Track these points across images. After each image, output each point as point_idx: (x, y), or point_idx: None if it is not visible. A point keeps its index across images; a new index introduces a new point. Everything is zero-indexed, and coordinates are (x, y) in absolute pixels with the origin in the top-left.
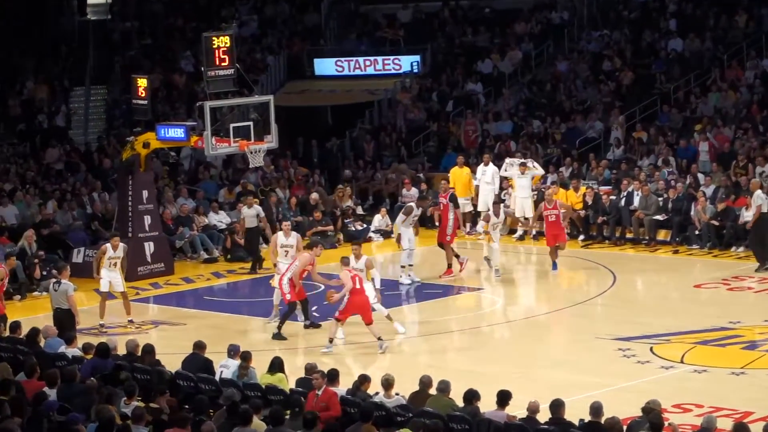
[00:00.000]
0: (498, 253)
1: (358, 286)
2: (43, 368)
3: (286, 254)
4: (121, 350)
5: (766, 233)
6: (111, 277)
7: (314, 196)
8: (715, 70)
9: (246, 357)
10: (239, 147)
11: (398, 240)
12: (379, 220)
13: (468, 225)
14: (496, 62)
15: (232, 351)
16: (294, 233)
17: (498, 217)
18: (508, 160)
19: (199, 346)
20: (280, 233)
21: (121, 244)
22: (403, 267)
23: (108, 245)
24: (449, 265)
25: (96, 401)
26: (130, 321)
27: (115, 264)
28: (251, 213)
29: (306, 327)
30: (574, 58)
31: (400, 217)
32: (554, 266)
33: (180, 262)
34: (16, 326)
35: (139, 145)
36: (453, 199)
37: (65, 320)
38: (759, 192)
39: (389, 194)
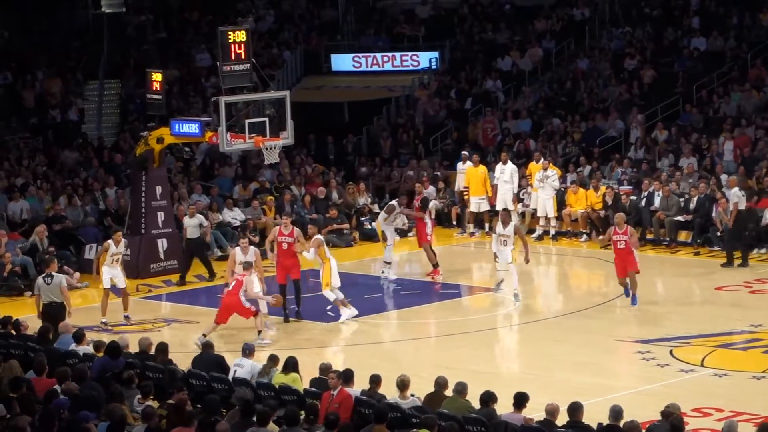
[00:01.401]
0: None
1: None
2: (54, 366)
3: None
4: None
5: (743, 230)
6: (113, 273)
7: (322, 189)
8: (738, 69)
9: (274, 359)
10: (255, 143)
11: (383, 238)
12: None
13: (471, 225)
14: (515, 59)
15: (247, 350)
16: (252, 248)
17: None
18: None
19: (209, 345)
20: (237, 249)
21: (123, 240)
22: (387, 264)
23: (110, 241)
24: (435, 265)
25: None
26: (126, 317)
27: (117, 260)
28: (193, 222)
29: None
30: (595, 55)
31: (382, 215)
32: (626, 293)
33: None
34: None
35: (152, 140)
36: (424, 202)
37: (60, 314)
38: (735, 189)
39: (407, 191)
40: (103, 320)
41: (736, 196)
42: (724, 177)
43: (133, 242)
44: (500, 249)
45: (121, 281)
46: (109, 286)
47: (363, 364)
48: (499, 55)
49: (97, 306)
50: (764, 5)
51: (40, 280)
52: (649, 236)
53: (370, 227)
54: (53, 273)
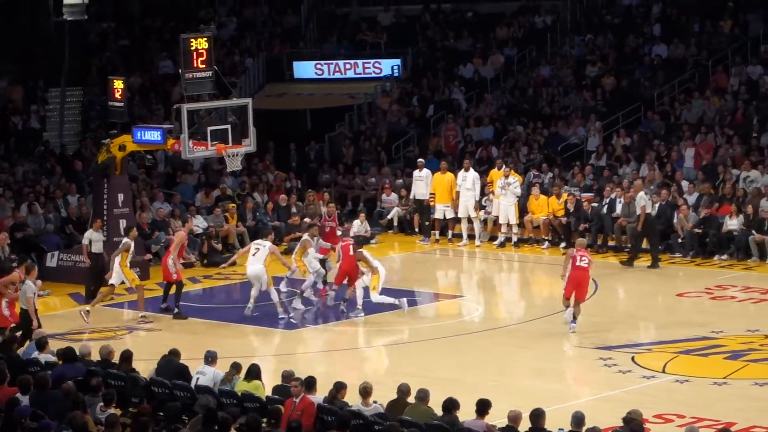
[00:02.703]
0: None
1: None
2: (16, 374)
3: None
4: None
5: (651, 234)
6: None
7: (284, 197)
8: (699, 77)
9: (237, 367)
10: (217, 150)
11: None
12: (358, 225)
13: (437, 232)
14: (477, 67)
15: (209, 357)
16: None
17: None
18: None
19: (175, 353)
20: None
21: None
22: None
23: (131, 241)
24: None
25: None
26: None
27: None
28: (98, 237)
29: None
30: (556, 63)
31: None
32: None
33: (156, 266)
34: None
35: (114, 147)
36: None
37: (27, 323)
38: (642, 194)
39: (367, 199)
40: (143, 314)
41: (643, 200)
42: (685, 184)
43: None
44: None
45: (136, 278)
46: (117, 284)
47: (326, 372)
48: (461, 62)
49: (61, 314)
50: (725, 13)
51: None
52: (611, 243)
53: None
54: (27, 280)
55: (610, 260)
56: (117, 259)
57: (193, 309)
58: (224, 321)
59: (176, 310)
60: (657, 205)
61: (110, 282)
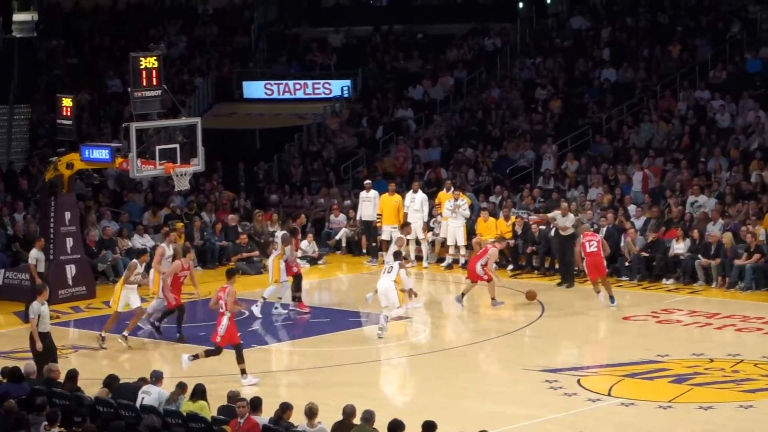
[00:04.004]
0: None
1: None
2: None
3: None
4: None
5: (567, 252)
6: (131, 296)
7: (232, 217)
8: (647, 101)
9: (182, 387)
10: (165, 170)
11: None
12: (305, 245)
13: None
14: (427, 88)
15: (155, 377)
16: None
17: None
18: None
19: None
20: (164, 245)
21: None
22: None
23: (137, 261)
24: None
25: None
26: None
27: (137, 281)
28: (42, 257)
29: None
30: (506, 85)
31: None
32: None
33: (102, 285)
34: None
35: (62, 165)
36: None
37: (33, 345)
38: (557, 213)
39: (316, 220)
40: (103, 335)
41: (569, 221)
42: (632, 207)
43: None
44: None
45: (137, 301)
46: (121, 309)
47: (272, 392)
48: (411, 83)
49: (6, 332)
50: (673, 38)
51: None
52: (558, 266)
53: None
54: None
55: (557, 282)
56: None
57: (139, 328)
58: (172, 341)
59: (179, 335)
60: (605, 229)
61: (135, 305)
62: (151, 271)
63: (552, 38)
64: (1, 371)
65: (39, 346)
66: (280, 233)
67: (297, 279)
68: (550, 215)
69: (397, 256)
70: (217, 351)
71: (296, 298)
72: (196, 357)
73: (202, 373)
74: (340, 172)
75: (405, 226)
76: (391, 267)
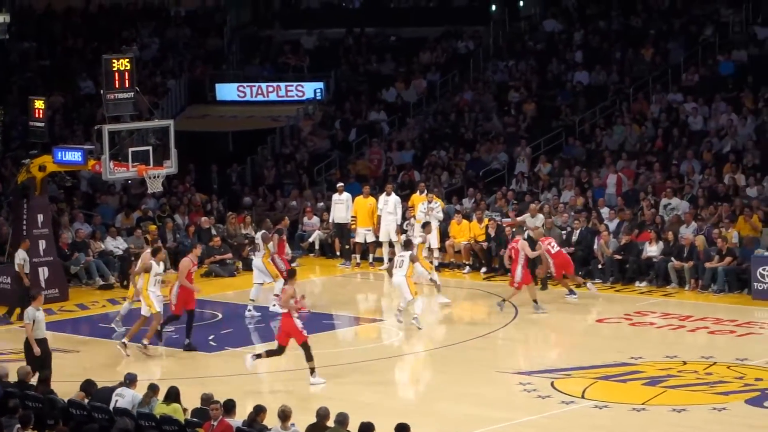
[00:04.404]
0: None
1: None
2: None
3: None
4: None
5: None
6: (157, 296)
7: (205, 219)
8: (620, 103)
9: (154, 389)
10: (138, 172)
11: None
12: None
13: (357, 256)
14: (400, 91)
15: (128, 379)
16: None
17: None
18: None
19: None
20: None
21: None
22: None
23: (153, 261)
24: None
25: None
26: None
27: (159, 281)
28: (27, 257)
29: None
30: (479, 88)
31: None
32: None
33: (75, 288)
34: None
35: (35, 168)
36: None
37: (28, 351)
38: (527, 216)
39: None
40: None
41: (529, 221)
42: (605, 210)
43: (13, 270)
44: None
45: (154, 306)
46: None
47: (245, 395)
48: (384, 86)
49: None
50: (646, 41)
51: None
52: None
53: (252, 257)
54: (29, 308)
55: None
56: (140, 282)
57: (112, 330)
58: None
59: (187, 341)
60: (578, 231)
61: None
62: (139, 285)
63: (525, 41)
64: None
65: (36, 351)
66: (259, 234)
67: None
68: (520, 219)
69: (407, 245)
70: (279, 351)
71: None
72: (259, 356)
73: (177, 375)
74: (313, 174)
75: (425, 226)
76: (402, 260)
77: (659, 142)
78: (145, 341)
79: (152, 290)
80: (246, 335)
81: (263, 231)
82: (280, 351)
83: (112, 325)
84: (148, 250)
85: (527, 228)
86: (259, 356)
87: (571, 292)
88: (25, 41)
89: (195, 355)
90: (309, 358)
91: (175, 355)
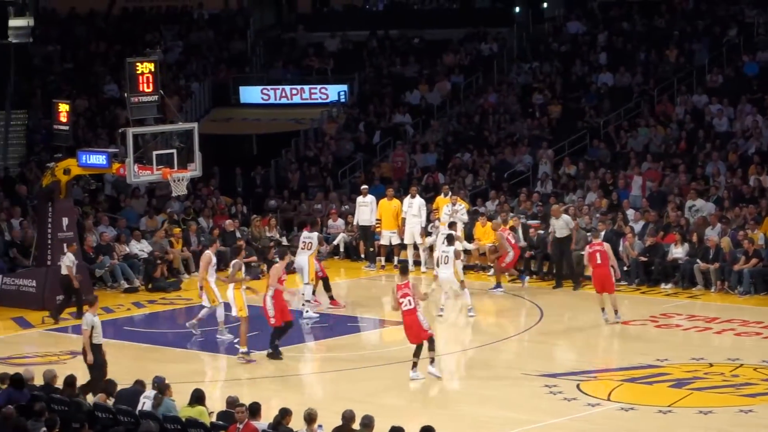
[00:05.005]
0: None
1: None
2: None
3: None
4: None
5: (565, 255)
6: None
7: (229, 222)
8: (645, 105)
9: (162, 389)
10: (162, 175)
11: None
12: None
13: (382, 258)
14: (424, 93)
15: (156, 383)
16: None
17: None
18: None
19: (140, 382)
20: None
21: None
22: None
23: (239, 260)
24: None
25: None
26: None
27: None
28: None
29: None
30: (503, 90)
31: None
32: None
33: (100, 291)
34: None
35: (59, 171)
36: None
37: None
38: (553, 219)
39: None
40: (243, 350)
41: (558, 226)
42: (630, 212)
43: (38, 274)
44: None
45: (244, 308)
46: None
47: (271, 397)
48: (408, 88)
49: (3, 338)
50: (670, 42)
51: None
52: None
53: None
54: (86, 314)
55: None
56: (231, 284)
57: (138, 334)
58: (169, 346)
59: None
60: (603, 233)
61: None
62: (231, 287)
63: (548, 43)
64: (0, 377)
65: (90, 359)
66: (315, 234)
67: (325, 280)
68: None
69: (450, 240)
70: (431, 343)
71: (330, 297)
72: (433, 361)
73: (204, 378)
74: (338, 177)
75: (452, 226)
76: (447, 257)
77: (684, 143)
78: (242, 349)
79: (212, 280)
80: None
81: (318, 234)
82: (420, 349)
83: (196, 331)
84: (208, 251)
85: (552, 230)
86: (433, 360)
87: (498, 285)
88: (49, 44)
89: (220, 357)
90: (430, 348)
91: (200, 357)
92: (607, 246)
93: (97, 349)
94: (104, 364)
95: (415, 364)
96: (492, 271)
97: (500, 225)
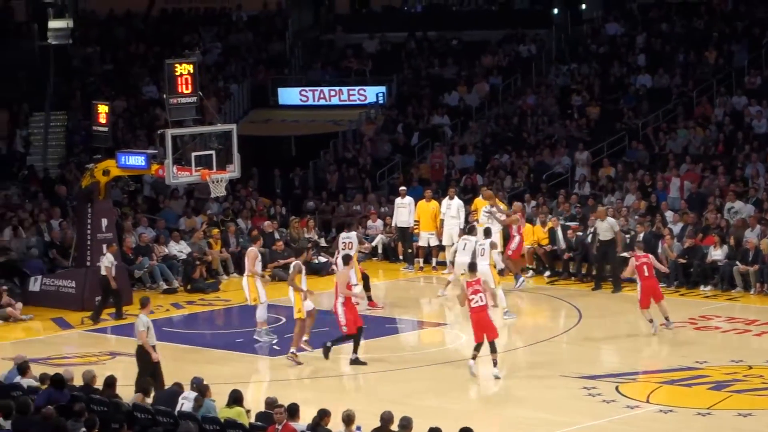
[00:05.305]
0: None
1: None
2: None
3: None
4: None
5: (609, 257)
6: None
7: (268, 223)
8: (683, 107)
9: (201, 390)
10: (201, 176)
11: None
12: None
13: (420, 260)
14: (462, 95)
15: (195, 384)
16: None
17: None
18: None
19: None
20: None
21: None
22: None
23: (300, 262)
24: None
25: None
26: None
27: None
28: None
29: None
30: (541, 92)
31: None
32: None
33: (139, 292)
34: None
35: (98, 172)
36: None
37: (140, 358)
38: (598, 221)
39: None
40: (293, 350)
41: (602, 228)
42: (669, 214)
43: (78, 275)
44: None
45: (303, 310)
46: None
47: (309, 399)
48: (446, 90)
49: (43, 338)
50: (709, 44)
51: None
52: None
53: (318, 262)
54: (140, 315)
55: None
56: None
57: (177, 335)
58: (208, 347)
59: (355, 356)
60: (641, 235)
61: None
62: (243, 279)
63: (587, 44)
64: (40, 377)
65: (156, 356)
66: (354, 234)
67: (365, 279)
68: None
69: (487, 234)
70: (492, 345)
71: (368, 297)
72: (495, 363)
73: (241, 379)
74: (376, 178)
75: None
76: (483, 249)
77: (722, 145)
78: (303, 345)
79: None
80: (309, 339)
81: (356, 233)
82: (480, 347)
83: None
84: (252, 247)
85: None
86: (495, 362)
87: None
88: (88, 46)
89: (258, 358)
90: (493, 350)
91: (237, 359)
92: (651, 257)
93: (142, 349)
94: (158, 364)
95: (474, 357)
96: (530, 273)
97: (520, 208)
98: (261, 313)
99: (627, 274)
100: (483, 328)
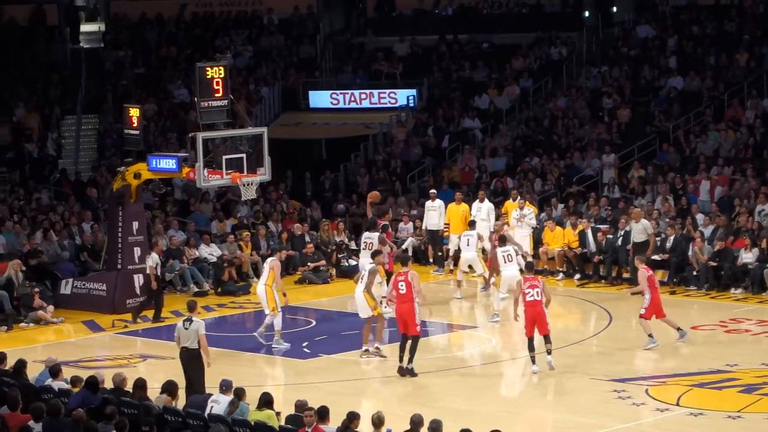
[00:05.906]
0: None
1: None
2: (29, 401)
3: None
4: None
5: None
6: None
7: (299, 226)
8: (715, 109)
9: (238, 393)
10: (232, 179)
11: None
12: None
13: (450, 263)
14: (493, 97)
15: (224, 386)
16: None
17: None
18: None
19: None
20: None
21: None
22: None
23: (377, 266)
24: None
25: None
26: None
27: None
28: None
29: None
30: (572, 94)
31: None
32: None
33: (170, 294)
34: (2, 358)
35: (130, 175)
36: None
37: (192, 361)
38: (632, 223)
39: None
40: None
41: (636, 230)
42: (700, 216)
43: (109, 278)
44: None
45: (378, 306)
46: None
47: (339, 401)
48: (477, 93)
49: (74, 341)
50: (740, 46)
51: (179, 324)
52: (625, 275)
53: (347, 265)
54: (193, 318)
55: (625, 292)
56: (361, 287)
57: (207, 337)
58: (238, 350)
59: (410, 366)
60: (672, 238)
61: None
62: (261, 287)
63: (618, 47)
64: (72, 380)
65: (208, 360)
66: (375, 235)
67: (389, 276)
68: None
69: (472, 225)
70: (546, 338)
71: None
72: (550, 351)
73: (271, 381)
74: (406, 181)
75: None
76: (469, 240)
77: (752, 148)
78: (377, 344)
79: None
80: (339, 342)
81: (378, 234)
82: (532, 342)
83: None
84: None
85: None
86: (534, 360)
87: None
88: (120, 50)
89: (289, 361)
90: (547, 341)
91: (267, 361)
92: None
93: (197, 353)
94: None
95: (533, 359)
96: (560, 276)
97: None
98: (279, 321)
99: (637, 289)
100: (535, 323)
